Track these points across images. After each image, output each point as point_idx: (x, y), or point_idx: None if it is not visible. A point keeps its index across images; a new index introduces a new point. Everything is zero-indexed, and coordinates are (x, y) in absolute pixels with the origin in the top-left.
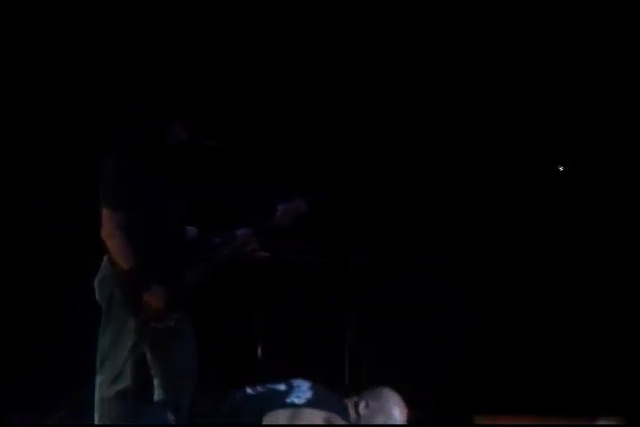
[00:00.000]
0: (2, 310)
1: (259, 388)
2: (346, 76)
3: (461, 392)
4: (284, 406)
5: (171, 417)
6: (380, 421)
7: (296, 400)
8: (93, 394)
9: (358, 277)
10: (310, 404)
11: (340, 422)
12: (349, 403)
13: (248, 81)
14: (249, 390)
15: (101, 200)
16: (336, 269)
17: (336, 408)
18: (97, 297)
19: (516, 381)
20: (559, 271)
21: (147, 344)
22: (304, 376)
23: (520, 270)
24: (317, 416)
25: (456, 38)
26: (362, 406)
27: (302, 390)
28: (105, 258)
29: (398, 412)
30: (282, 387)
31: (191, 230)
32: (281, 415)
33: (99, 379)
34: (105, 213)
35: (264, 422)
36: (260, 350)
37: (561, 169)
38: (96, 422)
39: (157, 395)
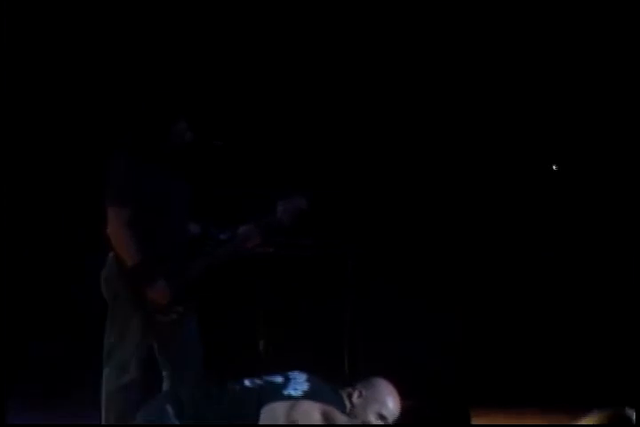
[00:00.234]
0: (7, 306)
1: (256, 380)
2: (341, 75)
3: (458, 384)
4: (282, 398)
5: (170, 410)
6: (374, 409)
7: (293, 392)
8: (100, 386)
9: (357, 271)
10: (307, 396)
11: (336, 413)
12: (344, 394)
13: (248, 80)
14: (247, 383)
15: (107, 198)
16: (335, 263)
17: (332, 399)
18: (103, 292)
19: (512, 373)
20: (553, 264)
21: (152, 337)
22: (304, 367)
23: (516, 262)
24: (314, 408)
25: (452, 38)
26: (355, 395)
27: (299, 383)
28: (110, 254)
29: (392, 400)
30: (279, 379)
31: (195, 227)
32: (278, 408)
33: (105, 371)
34: (111, 210)
35: (262, 415)
36: (261, 342)
37: (554, 168)
38: (103, 414)
39: (164, 386)
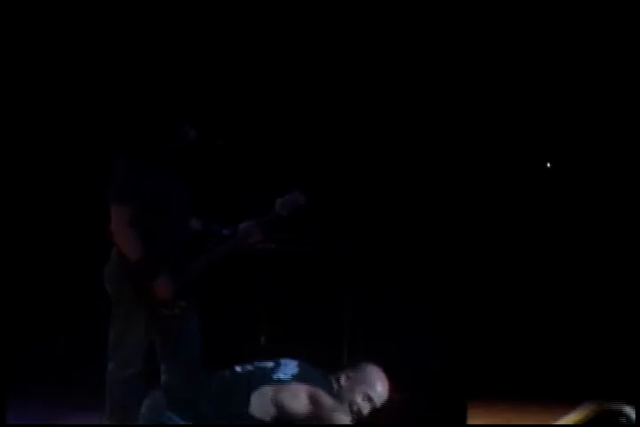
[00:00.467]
0: (10, 303)
1: (246, 366)
2: (339, 74)
3: (455, 377)
4: (271, 382)
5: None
6: (361, 390)
7: (282, 376)
8: (104, 379)
9: (357, 268)
10: (295, 379)
11: (323, 395)
12: (333, 378)
13: (247, 79)
14: (237, 369)
15: (110, 195)
16: (335, 260)
17: (320, 383)
18: (106, 288)
19: (509, 366)
20: (550, 260)
21: (154, 331)
22: (304, 359)
23: (513, 258)
24: (301, 390)
25: (448, 39)
26: (343, 378)
27: (288, 367)
28: (113, 251)
29: (379, 383)
30: (269, 365)
31: (196, 223)
32: (267, 391)
33: (110, 366)
34: (114, 207)
35: (252, 399)
36: (262, 337)
37: (548, 166)
38: (107, 408)
39: (163, 380)
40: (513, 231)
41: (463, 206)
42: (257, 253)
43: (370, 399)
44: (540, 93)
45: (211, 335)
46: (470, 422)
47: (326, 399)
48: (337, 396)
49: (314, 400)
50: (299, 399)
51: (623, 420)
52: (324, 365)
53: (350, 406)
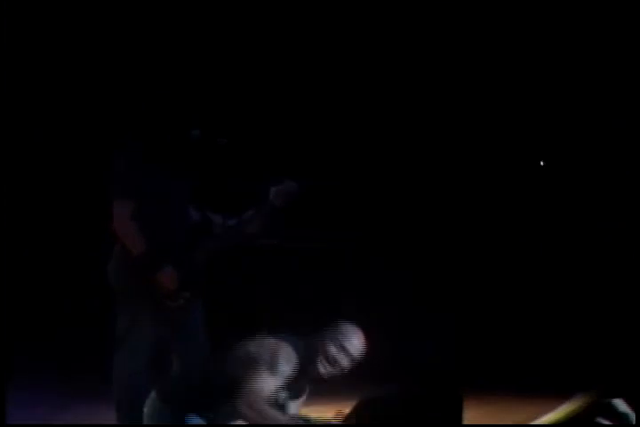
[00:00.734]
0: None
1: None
2: (336, 71)
3: (451, 370)
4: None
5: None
6: (336, 340)
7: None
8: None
9: (356, 261)
10: (275, 337)
11: (287, 344)
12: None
13: (247, 76)
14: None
15: (112, 190)
16: (336, 255)
17: (297, 343)
18: (111, 284)
19: (506, 359)
20: (544, 256)
21: (160, 323)
22: None
23: (508, 254)
24: (268, 340)
25: (446, 38)
26: (320, 337)
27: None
28: (116, 247)
29: (354, 335)
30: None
31: (196, 215)
32: (250, 344)
33: (117, 358)
34: (116, 202)
35: (236, 353)
36: (264, 326)
37: (542, 164)
38: (115, 399)
39: (173, 370)
40: (506, 227)
41: (456, 201)
42: (260, 247)
43: (344, 349)
44: (533, 92)
45: (214, 325)
46: (465, 413)
47: (288, 350)
48: (309, 346)
49: (274, 348)
50: (263, 346)
51: (612, 412)
52: None
53: (325, 356)
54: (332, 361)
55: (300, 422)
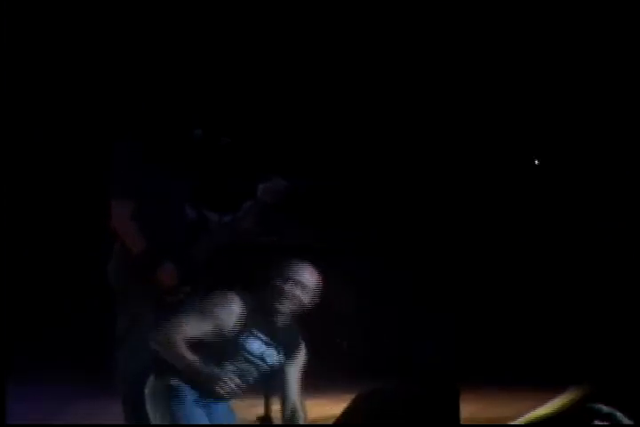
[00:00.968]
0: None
1: None
2: (332, 70)
3: (448, 364)
4: None
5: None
6: (287, 277)
7: None
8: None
9: (356, 258)
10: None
11: (240, 293)
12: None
13: (248, 76)
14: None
15: (111, 190)
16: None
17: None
18: (111, 282)
19: (502, 352)
20: (541, 253)
21: (160, 318)
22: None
23: (504, 251)
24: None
25: (442, 37)
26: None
27: None
28: (115, 246)
29: (308, 271)
30: None
31: (191, 213)
32: (215, 296)
33: (118, 357)
34: (116, 201)
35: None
36: None
37: (536, 162)
38: (122, 398)
39: None
40: (504, 225)
41: (455, 200)
42: (259, 245)
43: (297, 284)
44: (533, 92)
45: None
46: (462, 407)
47: (238, 297)
48: (263, 289)
49: (231, 297)
50: (222, 295)
51: (599, 415)
52: (325, 347)
53: (281, 293)
54: (290, 297)
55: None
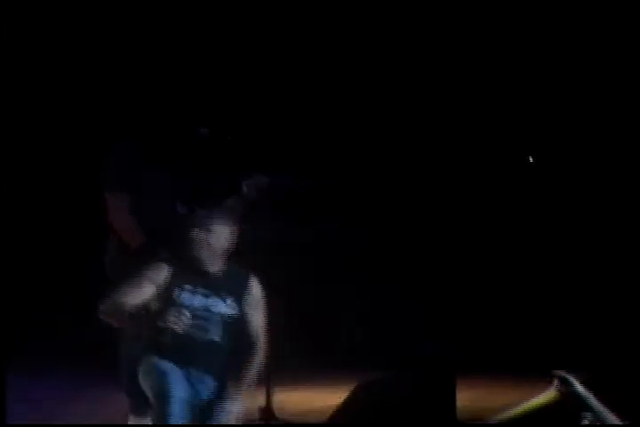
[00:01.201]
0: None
1: None
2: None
3: (444, 354)
4: None
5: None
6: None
7: None
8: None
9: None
10: None
11: None
12: None
13: (245, 76)
14: None
15: (110, 184)
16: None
17: None
18: (108, 275)
19: (498, 343)
20: (535, 249)
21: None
22: (307, 337)
23: (499, 246)
24: None
25: (438, 39)
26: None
27: None
28: (111, 239)
29: (218, 218)
30: None
31: (181, 208)
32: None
33: (121, 346)
34: (113, 197)
35: None
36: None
37: (531, 160)
38: (124, 384)
39: None
40: (496, 221)
41: (450, 195)
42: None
43: (210, 230)
44: (522, 89)
45: None
46: (458, 395)
47: None
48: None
49: None
50: None
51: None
52: (324, 339)
53: (196, 241)
54: (206, 245)
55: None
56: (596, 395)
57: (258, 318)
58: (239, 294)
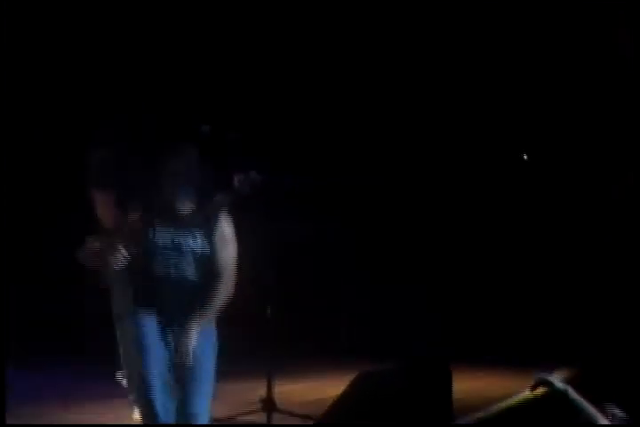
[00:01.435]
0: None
1: None
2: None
3: (440, 344)
4: None
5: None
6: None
7: None
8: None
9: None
10: None
11: None
12: None
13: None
14: None
15: (93, 182)
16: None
17: None
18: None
19: (488, 332)
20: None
21: None
22: (307, 329)
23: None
24: None
25: (435, 39)
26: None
27: None
28: (103, 233)
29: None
30: None
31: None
32: None
33: (118, 333)
34: (99, 192)
35: None
36: (269, 307)
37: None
38: (125, 374)
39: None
40: (492, 220)
41: (444, 190)
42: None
43: (167, 170)
44: (516, 87)
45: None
46: (454, 387)
47: None
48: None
49: None
50: None
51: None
52: (324, 332)
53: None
54: (167, 182)
55: None
56: (583, 395)
57: (227, 253)
58: (209, 231)
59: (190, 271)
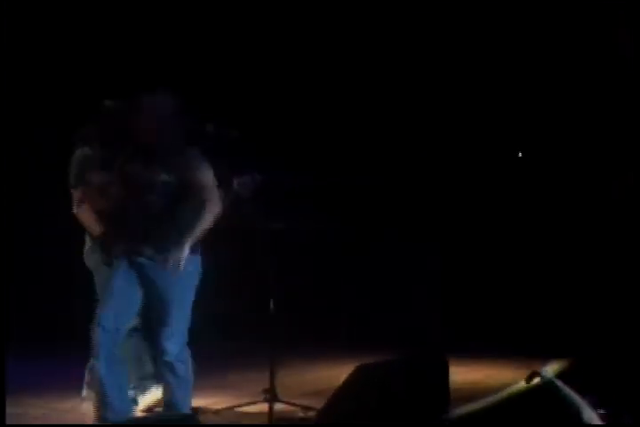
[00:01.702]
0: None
1: None
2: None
3: (438, 336)
4: None
5: None
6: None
7: None
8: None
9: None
10: None
11: None
12: None
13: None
14: None
15: (74, 179)
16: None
17: None
18: (86, 263)
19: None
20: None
21: None
22: (308, 324)
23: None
24: None
25: (433, 40)
26: None
27: None
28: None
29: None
30: None
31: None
32: None
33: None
34: (77, 189)
35: None
36: (271, 300)
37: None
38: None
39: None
40: (491, 217)
41: (442, 190)
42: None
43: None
44: (516, 87)
45: (224, 301)
46: (454, 378)
47: None
48: None
49: None
50: None
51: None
52: (324, 327)
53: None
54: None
55: None
56: (576, 390)
57: (204, 179)
58: (182, 162)
59: (167, 204)
